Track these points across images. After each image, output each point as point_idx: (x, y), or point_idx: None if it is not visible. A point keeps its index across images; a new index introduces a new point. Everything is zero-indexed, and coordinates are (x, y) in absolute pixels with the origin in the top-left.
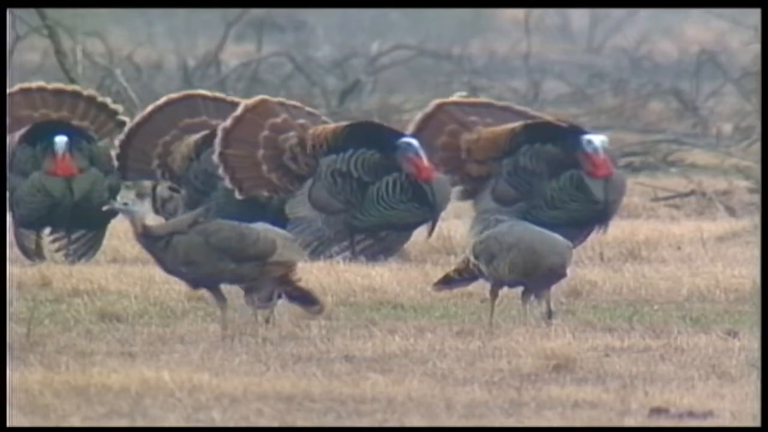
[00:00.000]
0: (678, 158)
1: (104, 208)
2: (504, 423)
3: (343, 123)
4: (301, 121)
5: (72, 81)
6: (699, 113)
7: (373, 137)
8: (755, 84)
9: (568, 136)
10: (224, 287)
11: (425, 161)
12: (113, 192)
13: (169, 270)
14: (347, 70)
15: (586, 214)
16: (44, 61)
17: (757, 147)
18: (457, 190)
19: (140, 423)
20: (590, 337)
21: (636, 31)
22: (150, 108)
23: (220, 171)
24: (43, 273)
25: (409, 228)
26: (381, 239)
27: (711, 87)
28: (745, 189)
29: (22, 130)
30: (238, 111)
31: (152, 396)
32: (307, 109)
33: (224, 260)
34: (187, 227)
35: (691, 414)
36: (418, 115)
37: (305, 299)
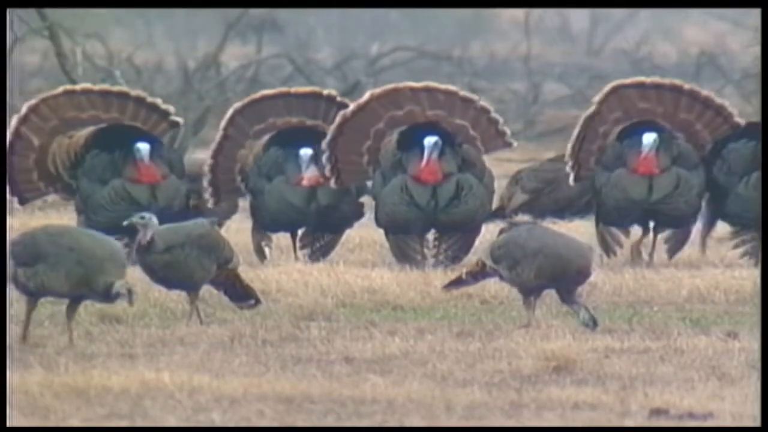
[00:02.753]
0: None
1: None
2: (504, 424)
3: (412, 123)
4: (436, 111)
5: (72, 82)
6: None
7: (423, 136)
8: (755, 86)
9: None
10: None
11: (429, 162)
12: (188, 199)
13: None
14: (347, 72)
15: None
16: (44, 63)
17: None
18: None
19: (140, 424)
20: (590, 339)
21: (636, 32)
22: (223, 124)
23: (324, 158)
24: None
25: (414, 231)
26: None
27: (711, 88)
28: None
29: (86, 133)
30: (363, 99)
31: (152, 397)
32: (462, 94)
33: None
34: None
35: (691, 415)
36: (597, 96)
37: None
